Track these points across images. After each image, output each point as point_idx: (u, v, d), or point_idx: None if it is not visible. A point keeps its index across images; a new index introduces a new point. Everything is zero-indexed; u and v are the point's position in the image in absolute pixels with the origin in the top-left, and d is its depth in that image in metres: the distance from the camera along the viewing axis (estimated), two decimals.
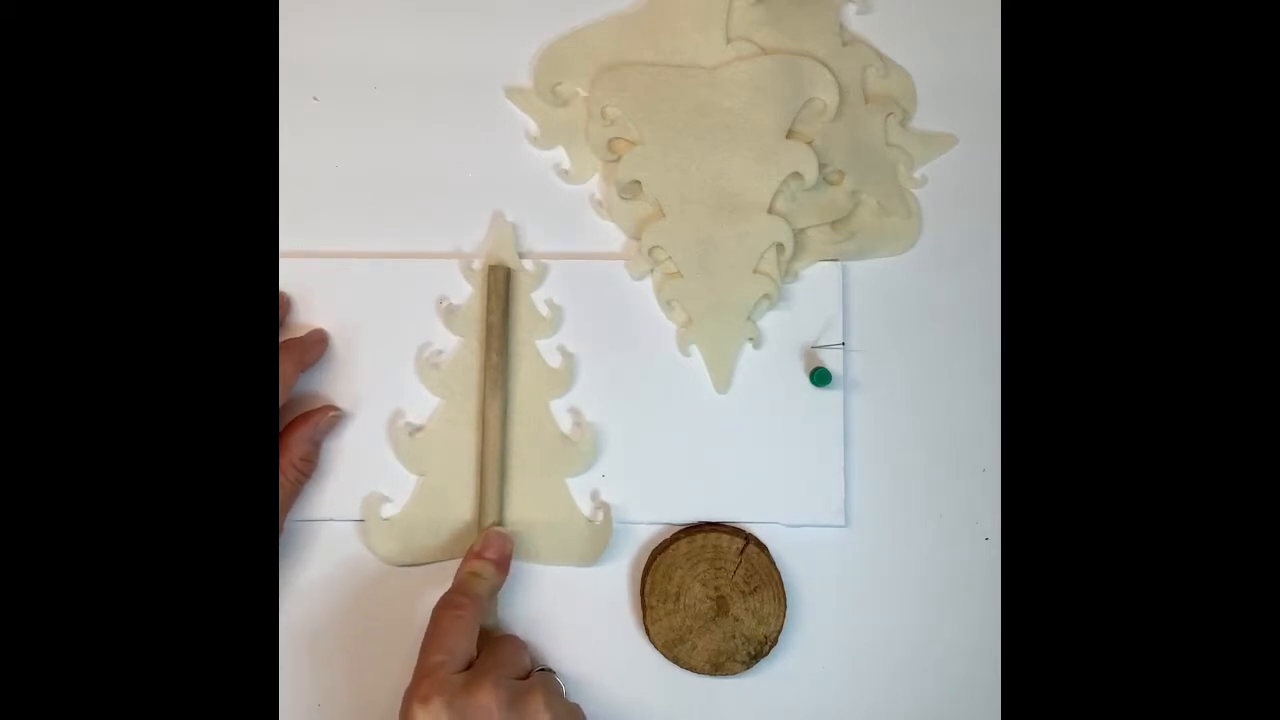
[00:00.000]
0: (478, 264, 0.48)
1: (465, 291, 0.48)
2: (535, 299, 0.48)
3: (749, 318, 0.48)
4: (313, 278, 0.48)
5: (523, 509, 0.47)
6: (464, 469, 0.47)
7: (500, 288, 0.47)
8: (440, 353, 0.48)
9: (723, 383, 0.49)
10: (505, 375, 0.47)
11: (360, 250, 0.49)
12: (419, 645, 0.42)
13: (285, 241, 0.48)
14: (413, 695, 0.39)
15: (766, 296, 0.48)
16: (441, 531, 0.47)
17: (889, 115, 0.49)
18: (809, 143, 0.48)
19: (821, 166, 0.48)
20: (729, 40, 0.48)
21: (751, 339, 0.49)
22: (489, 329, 0.47)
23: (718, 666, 0.47)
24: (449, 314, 0.47)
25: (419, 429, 0.47)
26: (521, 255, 0.48)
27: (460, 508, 0.47)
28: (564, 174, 0.49)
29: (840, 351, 0.48)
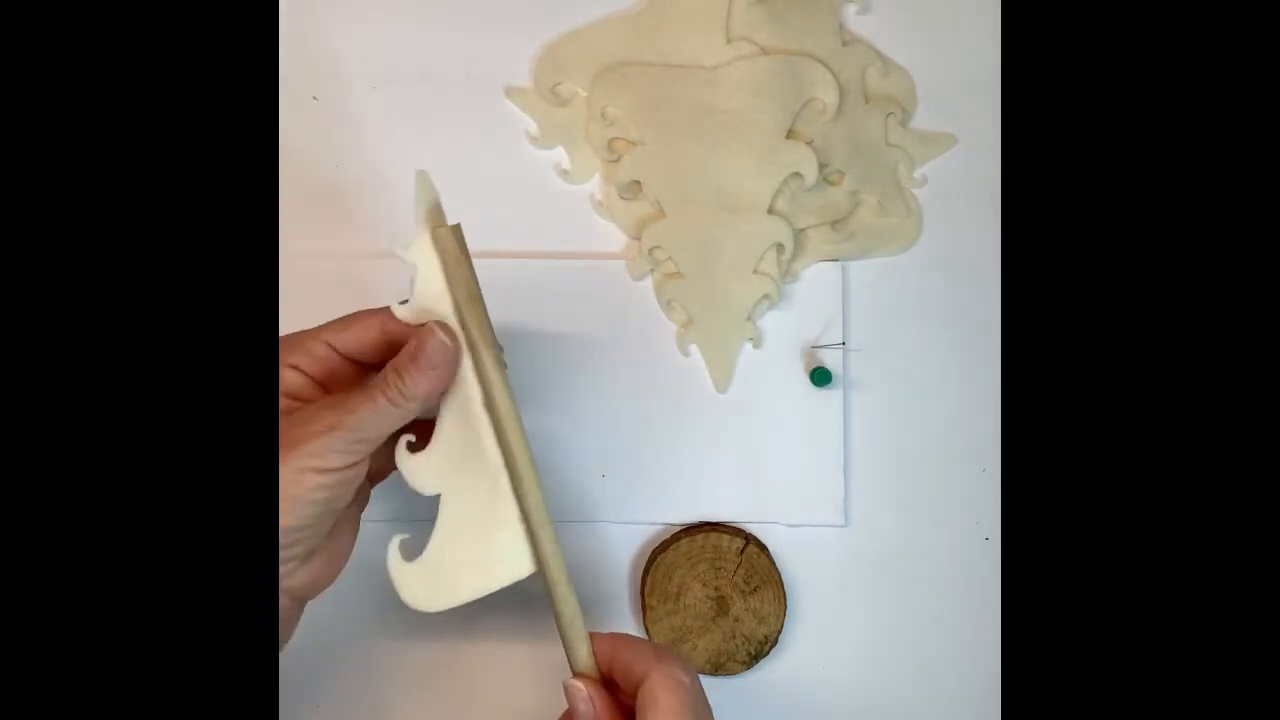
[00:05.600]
0: (418, 237, 0.39)
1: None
2: None
3: (749, 318, 0.48)
4: (313, 278, 0.48)
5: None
6: (488, 469, 0.39)
7: (456, 249, 0.39)
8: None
9: (723, 383, 0.49)
10: (497, 345, 0.39)
11: (361, 250, 0.49)
12: (420, 646, 0.42)
13: (285, 242, 0.48)
14: None
15: (766, 296, 0.48)
16: (484, 554, 0.39)
17: (889, 115, 0.49)
18: (809, 143, 0.48)
19: (821, 166, 0.48)
20: (729, 40, 0.48)
21: (751, 339, 0.49)
22: (461, 301, 0.38)
23: (718, 666, 0.47)
24: (406, 309, 0.39)
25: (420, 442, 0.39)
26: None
27: (498, 517, 0.39)
28: (564, 174, 0.49)
29: (840, 351, 0.48)
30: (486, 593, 0.39)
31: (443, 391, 0.38)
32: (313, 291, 0.48)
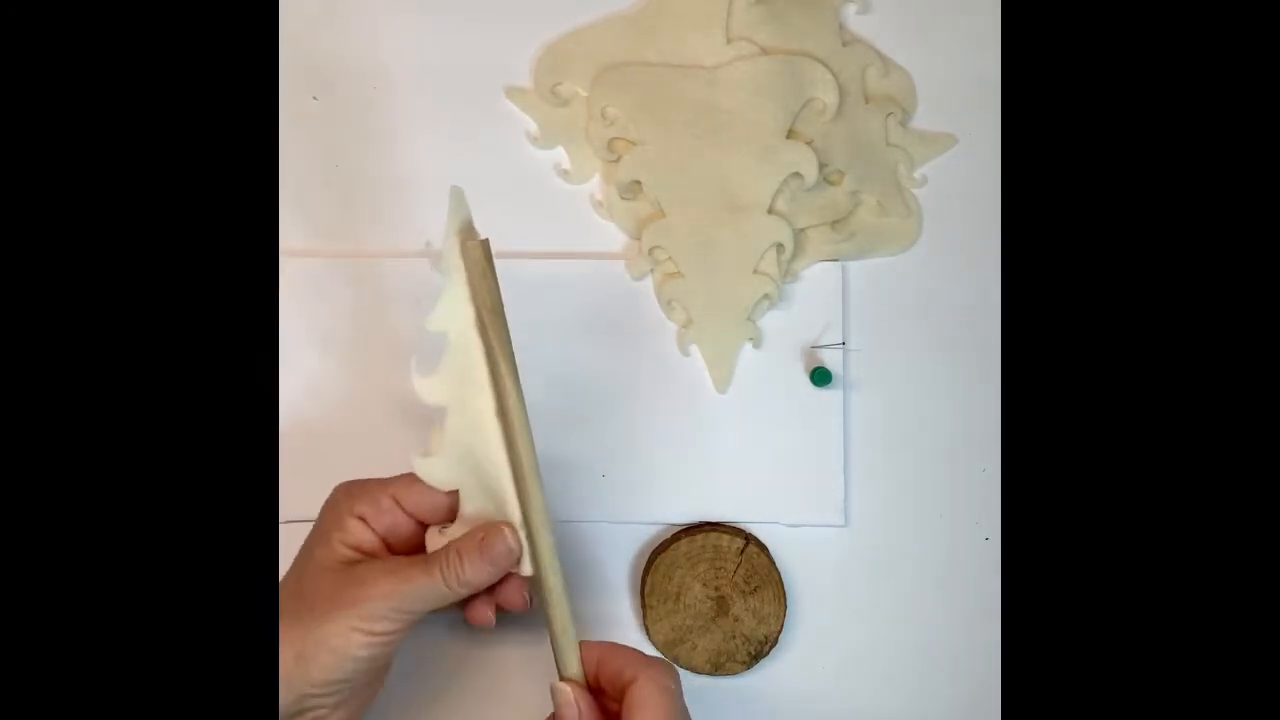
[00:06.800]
0: (448, 250, 0.40)
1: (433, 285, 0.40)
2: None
3: (749, 318, 0.48)
4: (313, 278, 0.48)
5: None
6: (494, 476, 0.40)
7: (484, 263, 0.40)
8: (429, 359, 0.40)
9: (723, 383, 0.49)
10: (514, 360, 0.40)
11: (360, 250, 0.49)
12: (412, 646, 0.42)
13: (285, 241, 0.48)
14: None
15: (766, 296, 0.48)
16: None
17: (889, 115, 0.49)
18: (809, 143, 0.48)
19: (821, 166, 0.48)
20: (729, 40, 0.48)
21: (751, 339, 0.49)
22: (485, 312, 0.39)
23: (718, 666, 0.47)
24: (427, 313, 0.40)
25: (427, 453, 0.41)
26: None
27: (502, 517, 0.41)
28: (564, 174, 0.49)
29: (840, 351, 0.48)
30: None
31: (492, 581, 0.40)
32: (313, 291, 0.48)
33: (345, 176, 0.49)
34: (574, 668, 0.40)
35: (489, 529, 0.39)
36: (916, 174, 0.50)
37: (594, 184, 0.49)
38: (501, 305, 0.40)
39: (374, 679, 0.41)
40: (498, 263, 0.48)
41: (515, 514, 0.40)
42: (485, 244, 0.40)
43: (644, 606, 0.47)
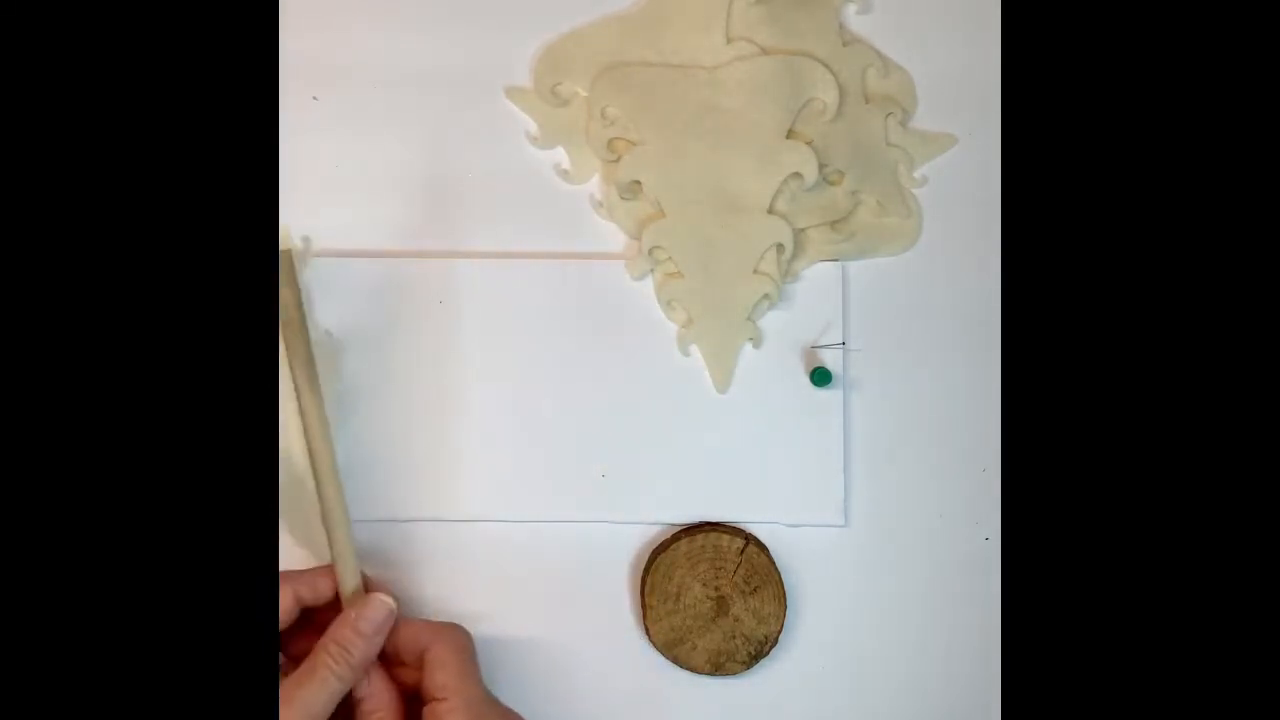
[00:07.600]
0: None
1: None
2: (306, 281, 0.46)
3: (749, 318, 0.48)
4: (312, 278, 0.48)
5: None
6: (294, 469, 0.44)
7: (289, 273, 0.43)
8: None
9: (723, 383, 0.49)
10: (315, 372, 0.43)
11: (360, 250, 0.49)
12: None
13: (285, 242, 0.48)
14: None
15: (766, 296, 0.48)
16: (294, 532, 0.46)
17: (889, 115, 0.49)
18: (809, 143, 0.48)
19: (821, 166, 0.48)
20: (729, 40, 0.48)
21: (751, 339, 0.49)
22: (288, 322, 0.43)
23: (718, 666, 0.47)
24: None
25: None
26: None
27: (305, 518, 0.45)
28: (564, 174, 0.49)
29: (840, 351, 0.48)
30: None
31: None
32: (312, 292, 0.48)
33: (345, 176, 0.49)
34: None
35: (358, 605, 0.41)
36: (916, 174, 0.50)
37: (594, 184, 0.49)
38: (300, 313, 0.43)
39: None
40: (501, 262, 0.49)
41: (315, 507, 0.43)
42: (288, 254, 0.43)
43: (644, 606, 0.47)
